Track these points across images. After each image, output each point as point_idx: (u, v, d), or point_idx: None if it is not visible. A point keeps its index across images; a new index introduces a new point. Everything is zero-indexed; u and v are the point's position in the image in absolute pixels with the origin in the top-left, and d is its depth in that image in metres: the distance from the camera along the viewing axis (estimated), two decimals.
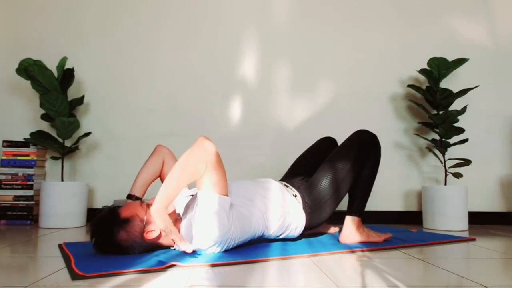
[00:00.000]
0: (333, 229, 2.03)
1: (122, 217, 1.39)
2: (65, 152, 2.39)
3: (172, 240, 1.37)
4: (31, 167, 2.44)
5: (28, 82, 2.33)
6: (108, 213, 1.41)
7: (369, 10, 2.72)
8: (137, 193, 1.73)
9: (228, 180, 1.71)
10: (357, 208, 1.73)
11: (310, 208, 1.66)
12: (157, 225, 1.34)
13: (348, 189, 1.72)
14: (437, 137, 2.48)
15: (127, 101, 2.63)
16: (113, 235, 1.37)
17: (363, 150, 1.73)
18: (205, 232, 1.37)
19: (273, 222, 1.59)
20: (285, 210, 1.62)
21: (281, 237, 1.67)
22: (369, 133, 1.77)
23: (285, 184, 1.75)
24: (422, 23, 2.72)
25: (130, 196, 1.71)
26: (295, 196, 1.68)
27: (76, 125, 2.34)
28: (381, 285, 1.09)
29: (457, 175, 2.36)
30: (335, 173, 1.68)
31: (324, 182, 1.68)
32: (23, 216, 2.40)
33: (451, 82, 2.57)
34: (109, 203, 2.36)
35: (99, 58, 2.65)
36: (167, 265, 1.24)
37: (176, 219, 1.49)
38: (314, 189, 1.68)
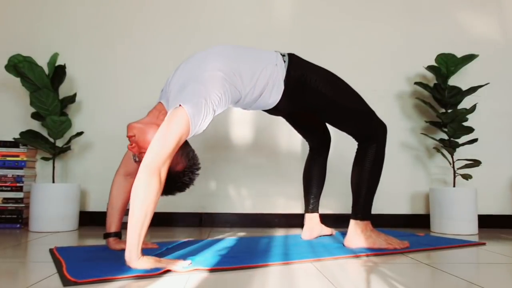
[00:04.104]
0: (331, 231, 2.04)
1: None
2: (56, 153, 2.39)
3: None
4: (21, 168, 2.44)
5: (18, 80, 2.32)
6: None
7: (374, 4, 2.72)
8: (114, 228, 1.67)
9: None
10: (360, 211, 1.73)
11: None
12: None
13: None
14: (445, 136, 2.48)
15: (122, 99, 2.63)
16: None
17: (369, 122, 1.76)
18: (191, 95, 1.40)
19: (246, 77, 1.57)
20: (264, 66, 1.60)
21: (260, 98, 1.63)
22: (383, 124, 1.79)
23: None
24: (430, 18, 2.72)
25: (108, 235, 1.66)
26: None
27: (68, 124, 2.34)
28: None
29: (466, 177, 2.35)
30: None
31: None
32: (13, 220, 2.40)
33: (460, 79, 2.57)
34: (103, 205, 2.36)
35: (91, 55, 2.65)
36: (163, 270, 1.24)
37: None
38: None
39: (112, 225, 1.66)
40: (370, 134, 1.75)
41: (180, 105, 1.36)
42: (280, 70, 1.62)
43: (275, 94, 1.63)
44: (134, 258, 1.25)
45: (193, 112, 1.35)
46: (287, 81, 1.62)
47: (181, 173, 1.46)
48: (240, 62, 1.56)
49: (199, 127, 1.40)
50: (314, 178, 2.01)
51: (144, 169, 1.28)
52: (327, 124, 1.96)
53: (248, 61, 1.59)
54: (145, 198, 1.26)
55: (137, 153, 1.49)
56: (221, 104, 1.49)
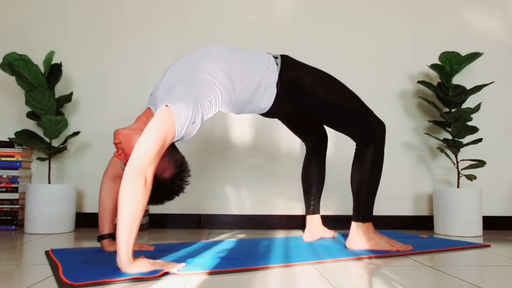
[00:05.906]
0: (333, 234, 2.03)
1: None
2: (52, 153, 2.39)
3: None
4: (16, 169, 2.44)
5: (13, 78, 2.32)
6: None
7: (377, 2, 2.72)
8: (107, 230, 1.66)
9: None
10: (361, 213, 1.73)
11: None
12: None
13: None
14: (449, 136, 2.48)
15: (119, 98, 2.63)
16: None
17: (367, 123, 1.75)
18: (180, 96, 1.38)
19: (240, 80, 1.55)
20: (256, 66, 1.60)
21: (251, 102, 1.62)
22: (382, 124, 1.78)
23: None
24: (434, 15, 2.72)
25: (102, 237, 1.66)
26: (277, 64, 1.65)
27: (64, 123, 2.33)
28: None
29: (471, 177, 2.35)
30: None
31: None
32: (8, 221, 2.40)
33: (464, 78, 2.57)
34: None
35: (88, 53, 2.65)
36: (161, 273, 1.24)
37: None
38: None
39: (105, 227, 1.66)
40: (368, 134, 1.74)
41: (166, 106, 1.34)
42: (272, 73, 1.61)
43: (267, 99, 1.63)
44: (125, 264, 1.23)
45: (180, 111, 1.32)
46: (280, 84, 1.62)
47: (169, 180, 1.43)
48: (231, 63, 1.55)
49: (187, 130, 1.36)
50: (313, 179, 2.00)
51: (129, 172, 1.25)
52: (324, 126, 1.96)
53: (239, 62, 1.57)
54: (131, 202, 1.24)
55: (124, 160, 1.45)
56: (211, 107, 1.46)
